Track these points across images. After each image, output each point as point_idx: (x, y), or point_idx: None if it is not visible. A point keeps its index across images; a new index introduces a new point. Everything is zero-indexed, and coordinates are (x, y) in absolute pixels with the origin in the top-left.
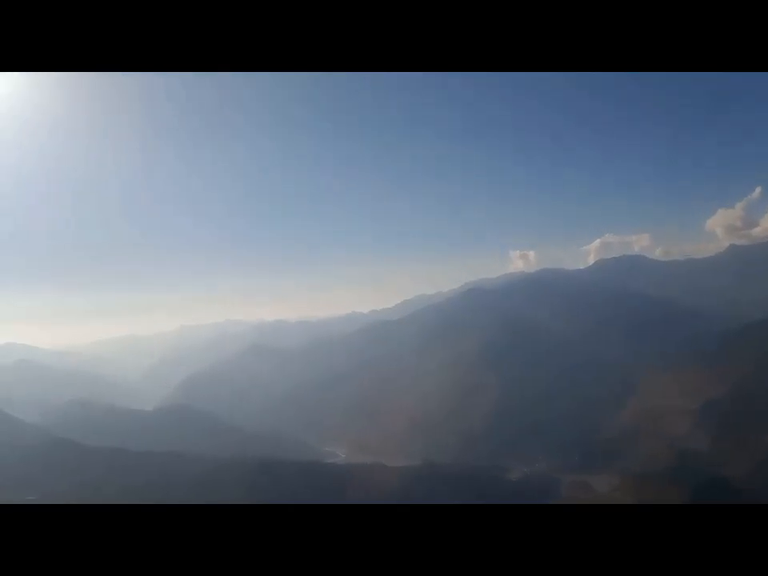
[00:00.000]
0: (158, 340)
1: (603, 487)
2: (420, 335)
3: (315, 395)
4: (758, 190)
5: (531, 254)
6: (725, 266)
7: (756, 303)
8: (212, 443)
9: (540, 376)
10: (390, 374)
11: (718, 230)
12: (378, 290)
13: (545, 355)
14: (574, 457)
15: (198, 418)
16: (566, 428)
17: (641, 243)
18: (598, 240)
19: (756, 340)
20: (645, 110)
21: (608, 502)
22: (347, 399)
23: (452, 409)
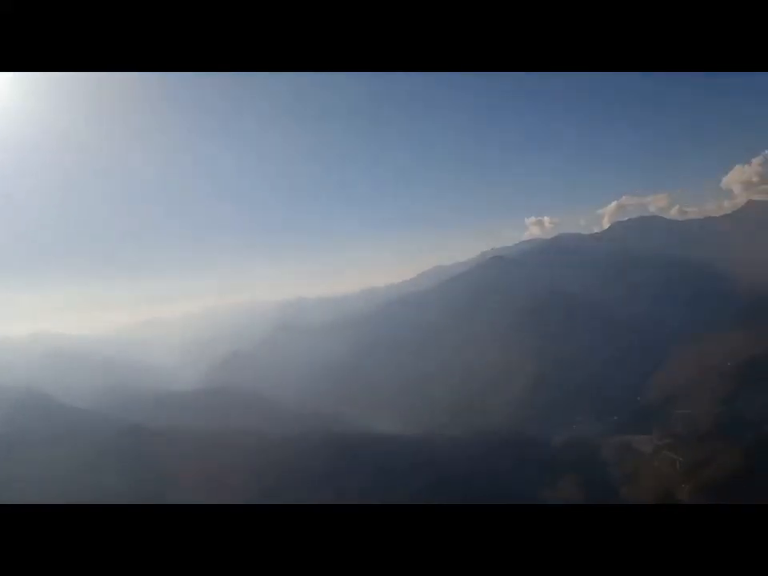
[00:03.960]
0: (179, 323)
1: (647, 448)
2: (447, 306)
3: (350, 370)
4: None
5: (546, 219)
6: (744, 222)
7: None
8: (257, 419)
9: (573, 342)
10: (423, 346)
11: (734, 186)
12: (391, 264)
13: (575, 321)
14: (615, 419)
15: (242, 397)
16: (604, 392)
17: (657, 204)
18: (614, 202)
19: None
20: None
21: (654, 463)
22: (383, 373)
23: (489, 379)
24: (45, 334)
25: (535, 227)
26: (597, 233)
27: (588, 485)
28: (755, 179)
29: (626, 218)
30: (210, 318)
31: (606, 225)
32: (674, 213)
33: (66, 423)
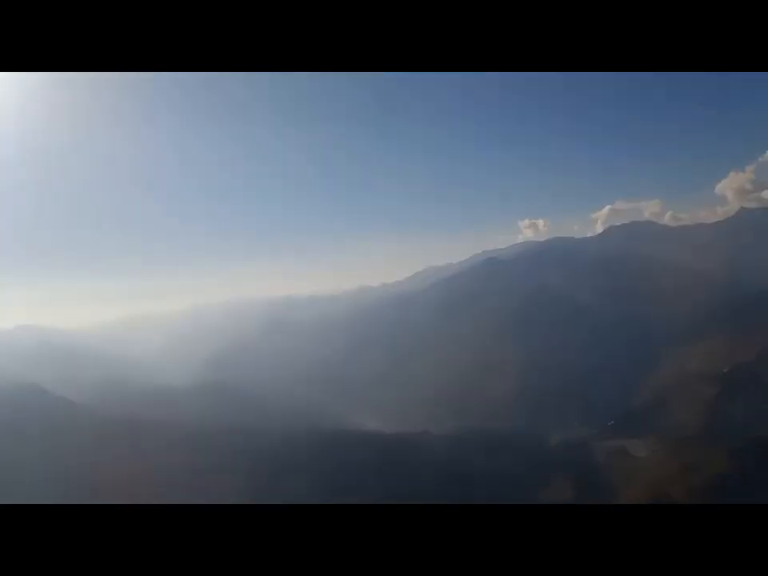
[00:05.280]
0: (170, 319)
1: (641, 451)
2: (439, 307)
3: (339, 368)
4: None
5: (540, 222)
6: (736, 230)
7: None
8: (249, 416)
9: (563, 344)
10: (414, 345)
11: (728, 193)
12: (384, 264)
13: (566, 324)
14: (607, 423)
15: (232, 393)
16: (595, 395)
17: (651, 209)
18: (608, 207)
19: None
20: (654, 74)
21: (648, 466)
22: (372, 371)
23: (479, 379)
24: (33, 328)
25: (529, 230)
26: (590, 237)
27: (581, 488)
28: (748, 186)
29: (620, 223)
30: (199, 315)
31: (599, 229)
32: (667, 219)
33: (57, 415)
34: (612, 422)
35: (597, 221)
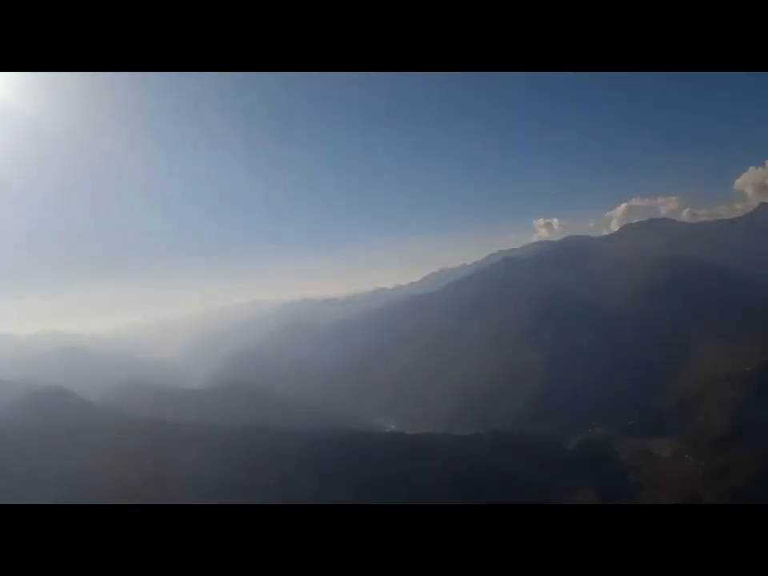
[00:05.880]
0: (187, 323)
1: (664, 451)
2: (456, 308)
3: (358, 370)
4: None
5: (555, 221)
6: (756, 226)
7: None
8: (270, 417)
9: (582, 345)
10: (431, 347)
11: (747, 189)
12: (398, 266)
13: (586, 323)
14: (629, 423)
15: (252, 394)
16: (617, 396)
17: (668, 206)
18: (624, 204)
19: None
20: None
21: (672, 467)
22: (390, 374)
23: (498, 381)
24: (57, 333)
25: (544, 229)
26: (606, 235)
27: (604, 489)
28: None
29: (636, 221)
30: (217, 318)
31: (615, 227)
32: (684, 215)
33: (80, 416)
34: (632, 422)
35: (612, 219)
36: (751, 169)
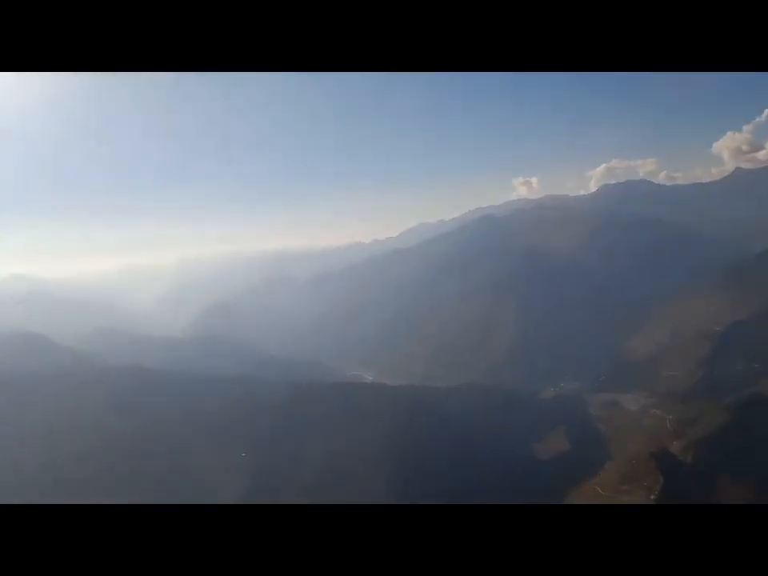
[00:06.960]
0: (158, 271)
1: (633, 405)
2: (434, 263)
3: (337, 323)
4: (766, 112)
5: (534, 180)
6: (731, 190)
7: (764, 228)
8: (249, 367)
9: (558, 301)
10: (409, 302)
11: (724, 153)
12: (374, 219)
13: (561, 280)
14: (600, 378)
15: (230, 345)
16: (589, 351)
17: (646, 168)
18: (603, 165)
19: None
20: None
21: (640, 421)
22: (369, 327)
23: (475, 334)
24: (24, 277)
25: (523, 187)
26: (584, 194)
27: (575, 440)
28: (745, 147)
29: (614, 182)
30: (185, 268)
31: (593, 187)
32: (662, 177)
33: (55, 361)
34: (603, 377)
35: (591, 179)
36: (729, 133)
